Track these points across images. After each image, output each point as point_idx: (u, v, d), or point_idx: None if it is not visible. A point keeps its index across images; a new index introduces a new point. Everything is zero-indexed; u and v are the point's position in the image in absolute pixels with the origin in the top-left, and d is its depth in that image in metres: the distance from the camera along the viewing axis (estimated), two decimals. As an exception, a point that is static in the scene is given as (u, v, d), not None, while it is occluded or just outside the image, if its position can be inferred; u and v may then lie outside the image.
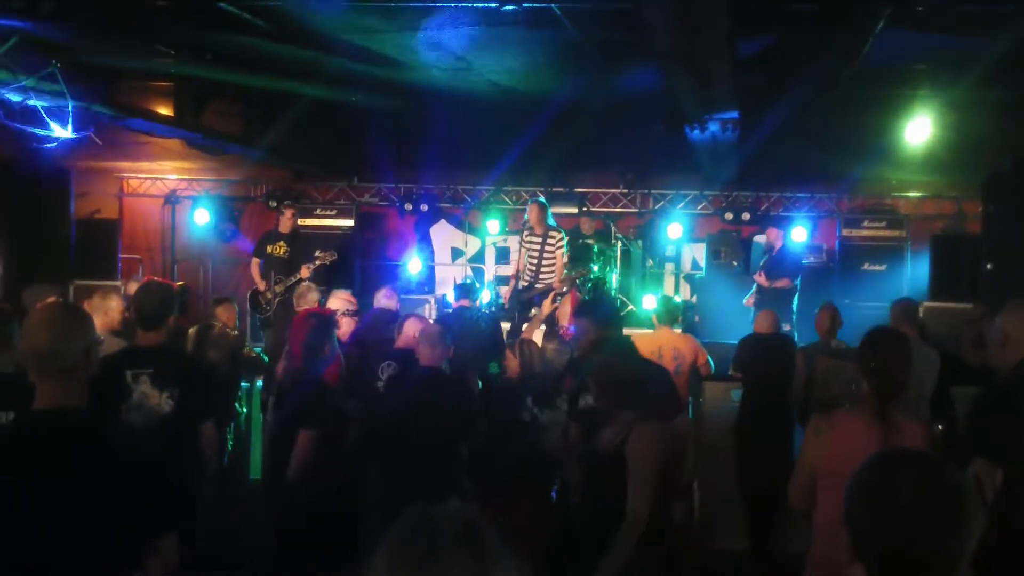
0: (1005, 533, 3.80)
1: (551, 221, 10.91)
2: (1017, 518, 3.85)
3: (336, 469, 5.64)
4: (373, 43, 8.68)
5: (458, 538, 1.70)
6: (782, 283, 11.88)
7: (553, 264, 10.80)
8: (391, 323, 7.65)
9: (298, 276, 10.80)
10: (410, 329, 7.07)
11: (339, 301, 7.75)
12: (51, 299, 6.74)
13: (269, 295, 11.24)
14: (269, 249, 11.45)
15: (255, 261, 11.63)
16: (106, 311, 6.87)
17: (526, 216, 11.09)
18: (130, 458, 3.13)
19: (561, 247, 10.83)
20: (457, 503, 1.80)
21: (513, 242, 11.04)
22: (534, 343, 7.16)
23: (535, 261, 10.82)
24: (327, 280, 10.86)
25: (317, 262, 11.07)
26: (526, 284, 10.89)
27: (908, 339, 4.23)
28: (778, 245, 12.26)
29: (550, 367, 7.46)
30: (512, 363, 6.95)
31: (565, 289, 10.87)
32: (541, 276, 10.80)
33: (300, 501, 5.52)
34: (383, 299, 8.49)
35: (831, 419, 4.13)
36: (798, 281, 12.01)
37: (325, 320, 6.36)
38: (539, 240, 10.75)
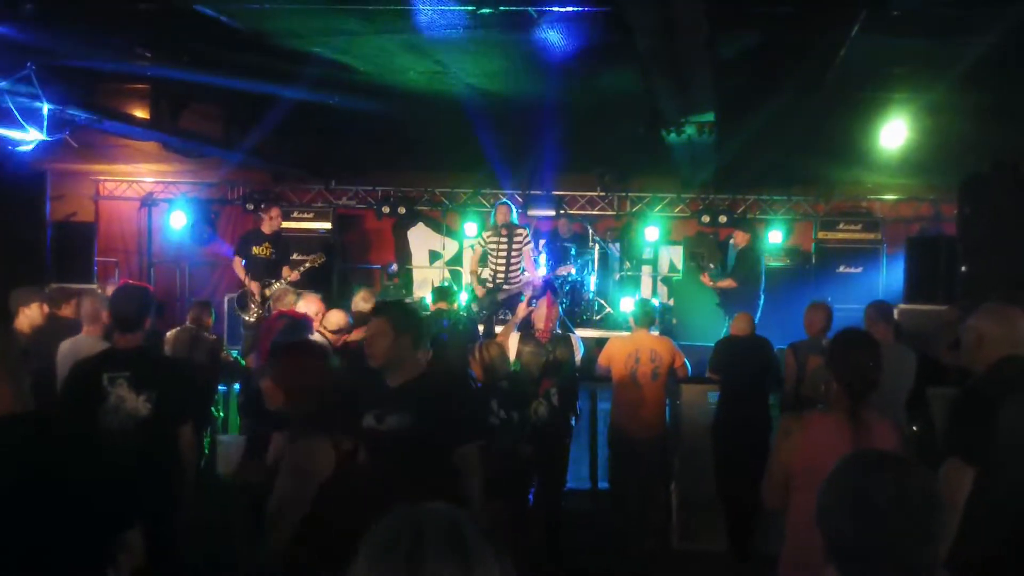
0: (979, 533, 3.83)
1: (515, 219, 10.93)
2: (991, 518, 3.88)
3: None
4: (352, 46, 8.67)
5: (442, 537, 1.70)
6: (725, 283, 12.05)
7: (520, 260, 10.81)
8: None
9: (287, 279, 10.76)
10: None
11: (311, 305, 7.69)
12: (35, 303, 6.72)
13: (259, 297, 11.11)
14: (255, 250, 11.28)
15: (238, 260, 11.41)
16: (96, 315, 6.79)
17: (492, 219, 11.04)
18: (94, 458, 3.10)
19: (529, 243, 10.87)
20: (441, 503, 1.80)
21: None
22: (495, 345, 7.02)
23: (503, 261, 10.80)
24: (307, 283, 10.78)
25: (307, 264, 11.02)
26: (493, 287, 10.86)
27: (877, 340, 4.26)
28: (740, 246, 12.29)
29: (526, 370, 7.46)
30: (474, 367, 6.87)
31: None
32: (510, 275, 10.78)
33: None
34: (361, 302, 8.46)
35: (802, 419, 4.16)
36: (760, 287, 11.95)
37: (296, 322, 6.34)
38: (505, 240, 10.73)
